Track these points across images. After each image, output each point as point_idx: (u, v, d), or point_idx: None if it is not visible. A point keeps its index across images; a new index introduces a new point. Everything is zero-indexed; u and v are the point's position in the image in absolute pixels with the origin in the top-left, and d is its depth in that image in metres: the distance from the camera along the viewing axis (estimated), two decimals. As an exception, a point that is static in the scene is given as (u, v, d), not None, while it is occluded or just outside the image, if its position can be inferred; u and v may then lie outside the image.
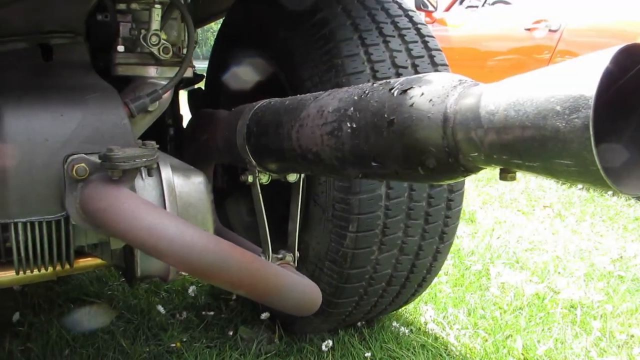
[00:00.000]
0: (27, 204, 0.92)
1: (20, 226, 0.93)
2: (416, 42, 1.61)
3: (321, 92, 0.97)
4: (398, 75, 1.53)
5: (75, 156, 0.94)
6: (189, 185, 1.02)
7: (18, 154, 0.90)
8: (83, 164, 0.91)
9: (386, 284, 1.64)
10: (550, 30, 4.67)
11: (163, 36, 1.11)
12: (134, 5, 1.14)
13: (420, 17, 1.71)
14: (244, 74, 1.92)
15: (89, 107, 0.97)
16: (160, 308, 1.94)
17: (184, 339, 1.80)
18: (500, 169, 0.68)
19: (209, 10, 1.90)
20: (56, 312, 1.94)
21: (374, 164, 0.79)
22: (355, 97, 0.82)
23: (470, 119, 0.65)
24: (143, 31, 1.12)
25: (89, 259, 1.08)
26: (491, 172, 4.42)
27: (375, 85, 0.82)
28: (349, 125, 0.81)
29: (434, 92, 0.70)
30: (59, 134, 0.94)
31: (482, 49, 5.40)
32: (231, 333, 1.82)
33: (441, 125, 0.68)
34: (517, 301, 2.17)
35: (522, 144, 0.59)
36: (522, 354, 1.79)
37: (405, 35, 1.60)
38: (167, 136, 1.86)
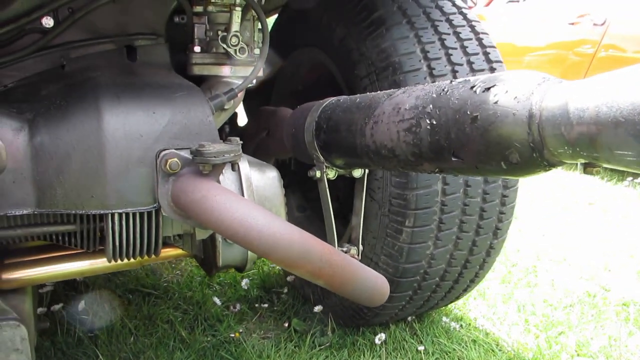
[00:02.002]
0: (123, 196, 0.98)
1: (116, 217, 1.00)
2: (471, 39, 1.62)
3: (393, 89, 1.01)
4: (454, 72, 1.54)
5: (167, 151, 1.00)
6: (264, 180, 1.07)
7: (116, 149, 0.96)
8: (176, 159, 0.97)
9: (440, 279, 1.66)
10: (594, 24, 4.57)
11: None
12: (210, 8, 1.20)
13: (473, 14, 1.72)
14: (298, 72, 1.96)
15: (178, 105, 1.03)
16: (216, 300, 2.01)
17: (240, 330, 1.86)
18: (585, 163, 0.70)
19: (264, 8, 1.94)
20: (117, 302, 2.03)
21: (454, 159, 0.82)
22: (434, 95, 0.85)
23: (558, 116, 0.67)
24: (220, 32, 1.17)
25: (170, 249, 1.15)
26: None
27: (453, 83, 0.85)
28: (428, 121, 0.84)
29: (518, 90, 0.72)
30: (152, 131, 1.00)
31: (523, 45, 5.32)
32: (286, 325, 1.87)
33: (527, 121, 0.70)
34: (567, 298, 2.16)
35: (615, 138, 0.61)
36: (576, 351, 1.79)
37: (460, 33, 1.61)
38: (222, 133, 1.92)
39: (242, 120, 2.18)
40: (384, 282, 1.05)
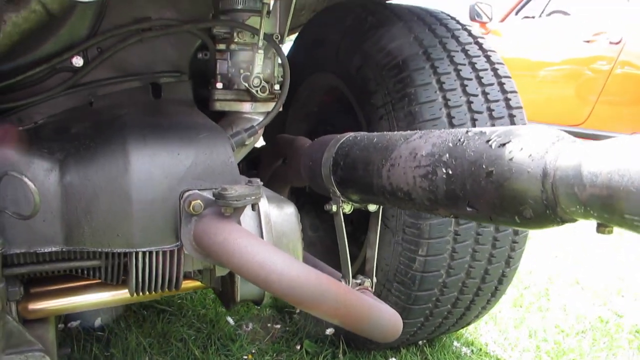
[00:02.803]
0: (147, 235, 1.02)
1: (140, 255, 1.04)
2: (486, 69, 1.64)
3: (409, 132, 1.03)
4: (469, 103, 1.56)
5: (190, 192, 1.03)
6: (282, 216, 1.10)
7: (142, 190, 1.00)
8: (199, 201, 1.00)
9: (452, 306, 1.67)
10: (610, 42, 4.56)
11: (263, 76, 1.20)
12: (233, 46, 1.23)
13: (489, 44, 1.73)
14: (315, 97, 1.99)
15: (201, 146, 1.07)
16: (230, 319, 2.03)
17: (253, 351, 1.88)
18: (598, 223, 0.72)
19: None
20: (132, 319, 2.06)
21: (468, 208, 0.84)
22: (450, 144, 0.87)
23: (572, 177, 0.69)
24: (242, 70, 1.21)
25: (190, 281, 1.18)
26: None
27: (469, 133, 0.87)
28: (444, 171, 0.86)
29: (533, 148, 0.74)
30: (176, 172, 1.04)
31: (538, 60, 5.32)
32: (298, 347, 1.90)
33: (540, 180, 0.72)
34: (580, 324, 2.16)
35: (626, 206, 0.63)
36: (587, 380, 1.79)
37: (475, 63, 1.63)
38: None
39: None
40: (397, 318, 1.07)
